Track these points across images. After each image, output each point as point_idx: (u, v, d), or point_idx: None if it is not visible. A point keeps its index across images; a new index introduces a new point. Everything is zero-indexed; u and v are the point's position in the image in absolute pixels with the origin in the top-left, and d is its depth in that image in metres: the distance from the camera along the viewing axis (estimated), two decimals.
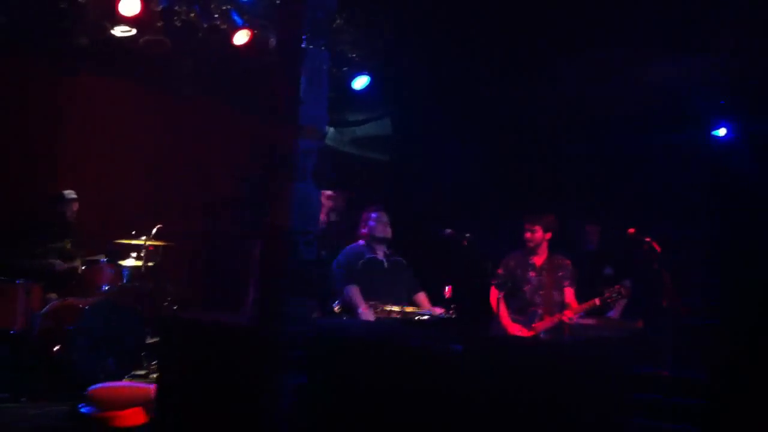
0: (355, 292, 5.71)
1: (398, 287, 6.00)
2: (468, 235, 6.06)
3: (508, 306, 6.47)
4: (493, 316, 6.44)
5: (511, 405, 2.65)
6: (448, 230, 6.13)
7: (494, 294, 6.48)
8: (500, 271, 6.57)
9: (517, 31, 7.08)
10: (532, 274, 6.49)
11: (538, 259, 6.53)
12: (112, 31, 6.93)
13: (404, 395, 2.77)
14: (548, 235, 6.52)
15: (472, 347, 2.84)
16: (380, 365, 2.84)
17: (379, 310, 5.63)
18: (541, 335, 6.28)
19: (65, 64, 7.75)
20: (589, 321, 6.53)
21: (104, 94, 8.39)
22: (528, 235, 6.49)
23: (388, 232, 6.07)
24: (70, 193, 7.47)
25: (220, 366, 3.32)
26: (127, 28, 6.88)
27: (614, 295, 6.21)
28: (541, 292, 6.42)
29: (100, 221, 8.00)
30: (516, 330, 6.30)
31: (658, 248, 6.44)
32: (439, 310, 5.83)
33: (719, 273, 7.40)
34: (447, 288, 5.83)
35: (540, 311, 6.36)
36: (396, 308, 5.70)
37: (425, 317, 5.71)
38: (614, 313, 6.92)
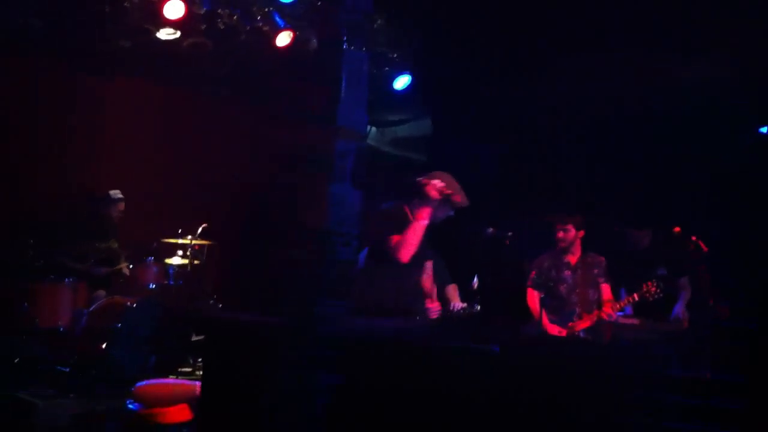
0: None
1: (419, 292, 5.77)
2: (510, 234, 6.02)
3: (546, 307, 6.44)
4: (530, 318, 6.43)
5: (541, 406, 2.64)
6: (491, 229, 6.10)
7: (532, 296, 6.50)
8: (534, 273, 6.58)
9: (555, 28, 7.03)
10: (567, 273, 6.47)
11: (572, 258, 6.51)
12: (157, 34, 7.03)
13: (440, 396, 2.78)
14: (581, 233, 6.51)
15: (507, 347, 2.83)
16: (414, 366, 2.85)
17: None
18: (581, 334, 6.25)
19: (105, 68, 7.89)
20: (632, 321, 6.47)
21: (145, 95, 8.52)
22: (561, 234, 6.48)
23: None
24: (116, 194, 7.61)
25: (260, 365, 3.37)
26: (171, 30, 6.97)
27: (653, 289, 6.14)
28: (577, 291, 6.40)
29: (147, 220, 8.14)
30: (554, 331, 6.27)
31: (704, 247, 6.35)
32: (459, 305, 5.63)
33: (753, 275, 7.25)
34: (474, 281, 5.76)
35: (578, 310, 6.34)
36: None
37: (454, 314, 5.49)
38: (679, 308, 6.80)
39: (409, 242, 4.27)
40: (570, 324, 6.30)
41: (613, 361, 3.08)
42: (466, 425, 2.77)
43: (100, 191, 7.67)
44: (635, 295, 6.24)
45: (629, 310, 6.57)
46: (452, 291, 6.09)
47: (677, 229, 6.56)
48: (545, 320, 6.34)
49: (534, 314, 6.38)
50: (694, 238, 6.40)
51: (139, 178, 8.34)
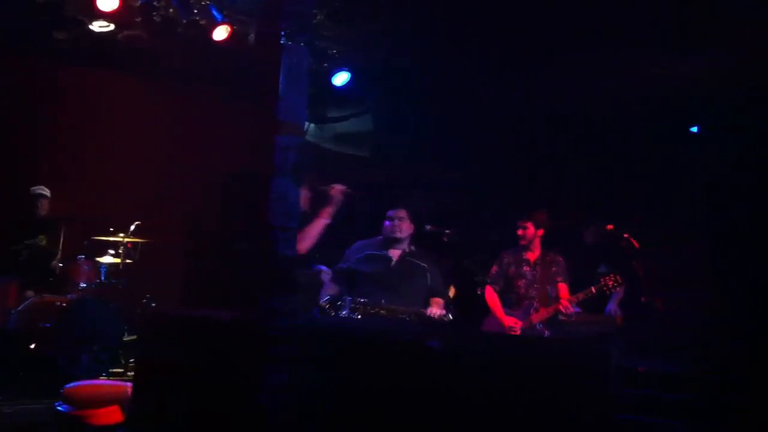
0: (325, 274, 5.55)
1: (407, 289, 5.59)
2: (448, 231, 6.03)
3: (503, 302, 6.60)
4: (488, 313, 6.52)
5: (489, 401, 2.65)
6: (429, 226, 6.09)
7: (489, 291, 6.61)
8: (495, 268, 6.71)
9: (499, 26, 7.07)
10: (526, 269, 6.61)
11: (532, 255, 6.64)
12: (90, 27, 6.87)
13: (382, 391, 2.77)
14: (540, 232, 6.64)
15: (451, 343, 2.84)
16: (361, 361, 2.84)
17: (364, 308, 5.42)
18: (537, 327, 6.37)
19: (44, 59, 7.69)
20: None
21: (84, 89, 8.33)
22: (520, 232, 6.64)
23: (397, 232, 5.71)
24: (36, 189, 7.40)
25: (198, 363, 3.31)
26: (105, 23, 6.82)
27: (611, 283, 6.24)
28: (536, 286, 6.52)
29: (80, 217, 7.94)
30: (511, 322, 6.38)
31: (636, 244, 6.49)
32: (437, 311, 5.42)
33: (709, 269, 7.45)
34: (450, 288, 5.80)
35: (535, 304, 6.45)
36: (384, 310, 5.32)
37: (407, 317, 5.35)
38: (612, 306, 6.95)
39: (309, 235, 4.88)
40: (530, 317, 6.39)
41: (550, 355, 3.11)
42: (404, 419, 2.77)
43: (28, 188, 7.47)
44: (593, 289, 6.32)
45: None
46: (435, 302, 5.66)
47: (610, 226, 6.71)
48: (501, 313, 6.46)
49: (492, 308, 6.51)
50: (626, 235, 6.55)
51: (74, 173, 8.15)
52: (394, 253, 5.72)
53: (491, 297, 6.60)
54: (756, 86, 7.16)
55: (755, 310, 6.48)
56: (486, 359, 2.86)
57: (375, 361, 2.85)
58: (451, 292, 5.88)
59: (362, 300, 5.29)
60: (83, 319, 6.58)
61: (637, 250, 6.53)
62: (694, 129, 8.06)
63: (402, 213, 5.78)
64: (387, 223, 5.76)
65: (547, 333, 6.33)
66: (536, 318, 6.39)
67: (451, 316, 5.42)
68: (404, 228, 5.72)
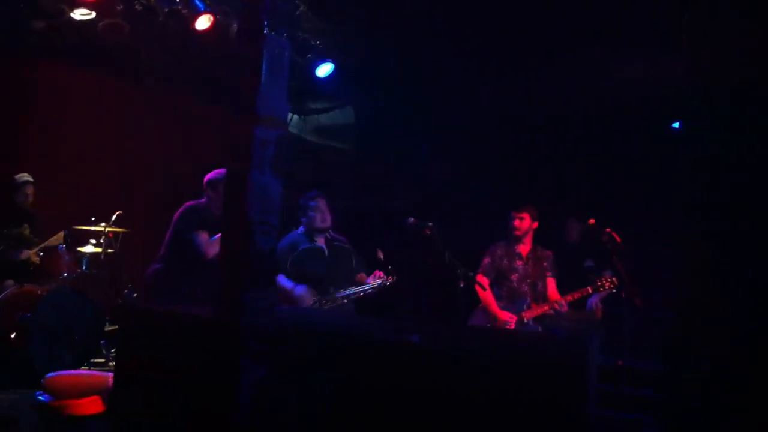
0: (284, 280, 5.63)
1: (341, 273, 5.84)
2: (430, 224, 6.04)
3: (496, 295, 6.51)
4: (473, 306, 6.49)
5: (470, 397, 2.67)
6: (411, 219, 6.11)
7: (483, 282, 6.43)
8: (487, 260, 6.60)
9: (484, 21, 7.08)
10: (519, 263, 6.54)
11: (524, 249, 6.58)
12: (71, 15, 6.81)
13: (361, 387, 2.78)
14: (535, 224, 6.61)
15: (436, 339, 2.85)
16: (339, 357, 2.85)
17: (326, 301, 5.58)
18: (530, 323, 6.34)
19: (23, 50, 7.61)
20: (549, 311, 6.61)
21: (64, 80, 8.28)
22: (517, 222, 6.54)
23: (327, 221, 5.89)
24: (21, 177, 7.31)
25: (178, 355, 3.30)
26: (86, 11, 6.76)
27: (608, 285, 6.27)
28: (528, 281, 6.48)
29: (60, 207, 7.90)
30: (506, 317, 6.31)
31: (618, 239, 6.50)
32: (379, 274, 5.74)
33: (688, 266, 7.48)
34: (378, 252, 5.82)
35: (528, 299, 6.42)
36: (343, 294, 5.63)
37: (370, 289, 5.67)
38: (594, 300, 6.96)
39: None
40: (523, 313, 6.36)
41: (530, 350, 3.13)
42: (386, 416, 2.78)
43: (9, 176, 7.39)
44: (589, 289, 6.34)
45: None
46: (361, 277, 5.98)
47: (592, 220, 6.72)
48: (496, 307, 6.39)
49: (485, 301, 6.39)
50: (608, 230, 6.56)
51: (54, 163, 8.10)
52: (321, 242, 5.88)
53: (481, 289, 6.40)
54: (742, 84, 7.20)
55: (739, 307, 6.52)
56: (472, 356, 2.87)
57: (354, 358, 2.85)
58: (380, 255, 5.91)
59: (319, 297, 5.54)
60: (63, 309, 6.54)
61: (619, 245, 6.54)
62: (675, 125, 8.08)
63: (323, 201, 5.90)
64: (312, 213, 5.85)
65: (540, 329, 6.33)
66: (529, 314, 6.34)
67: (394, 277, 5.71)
68: (327, 217, 5.87)
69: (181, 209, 5.76)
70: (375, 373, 2.82)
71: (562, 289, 6.51)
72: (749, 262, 3.77)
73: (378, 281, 5.75)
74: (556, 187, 8.37)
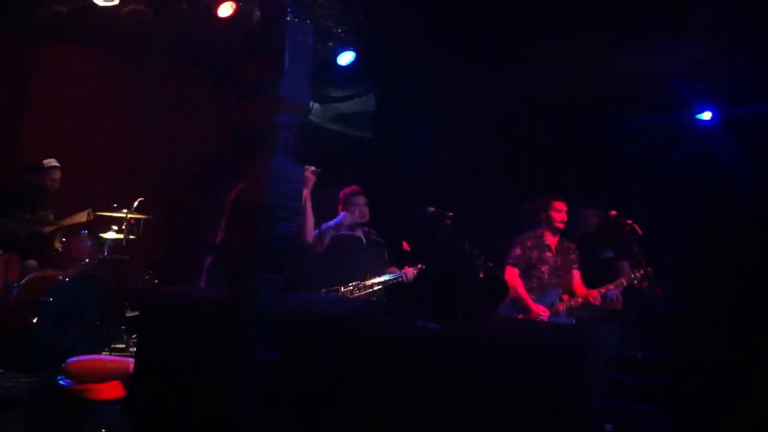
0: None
1: (375, 264, 6.05)
2: (451, 213, 6.03)
3: (527, 287, 6.39)
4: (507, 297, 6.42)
5: (483, 385, 2.65)
6: (431, 208, 6.10)
7: (513, 273, 6.38)
8: (518, 251, 6.46)
9: (502, 13, 7.05)
10: (548, 255, 6.44)
11: (552, 240, 6.49)
12: (95, 0, 6.83)
13: (372, 372, 2.77)
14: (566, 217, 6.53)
15: (448, 326, 2.83)
16: (349, 343, 2.84)
17: (358, 286, 5.72)
18: (563, 315, 6.28)
19: (31, 35, 7.62)
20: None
21: (84, 65, 8.31)
22: (559, 215, 6.43)
23: (366, 216, 6.17)
24: (50, 162, 7.33)
25: (195, 340, 3.31)
26: None
27: (641, 275, 6.23)
28: (558, 273, 6.42)
29: (82, 193, 7.95)
30: (540, 310, 6.23)
31: (639, 231, 6.46)
32: (408, 270, 5.93)
33: (691, 257, 7.44)
34: (404, 243, 5.95)
35: (560, 291, 6.37)
36: (376, 280, 5.83)
37: (399, 278, 5.87)
38: (614, 291, 6.91)
39: (307, 224, 5.48)
40: (557, 306, 6.30)
41: (549, 340, 3.10)
42: (401, 403, 2.77)
43: (33, 161, 7.42)
44: (623, 281, 6.31)
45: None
46: (392, 270, 6.17)
47: (613, 212, 6.68)
48: (529, 299, 6.29)
49: (517, 292, 6.30)
50: (630, 221, 6.52)
51: (76, 149, 8.14)
52: (359, 234, 6.17)
53: (515, 281, 6.33)
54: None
55: (747, 302, 6.48)
56: (485, 344, 2.84)
57: (358, 344, 2.85)
58: (406, 246, 6.06)
59: (353, 283, 5.73)
60: (84, 294, 6.58)
61: (640, 236, 6.50)
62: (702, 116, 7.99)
63: (363, 198, 6.19)
64: (353, 207, 6.13)
65: (573, 321, 6.28)
66: (563, 307, 6.27)
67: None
68: (366, 211, 6.17)
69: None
70: (378, 359, 2.81)
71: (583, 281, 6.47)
72: (749, 256, 3.73)
73: (407, 272, 5.93)
74: (573, 179, 8.32)
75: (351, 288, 5.73)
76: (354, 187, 6.25)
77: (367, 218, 6.16)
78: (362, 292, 5.76)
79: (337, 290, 5.67)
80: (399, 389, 2.74)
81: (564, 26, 7.04)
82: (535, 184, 7.59)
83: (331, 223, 6.06)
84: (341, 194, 6.25)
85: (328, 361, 2.84)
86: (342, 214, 6.16)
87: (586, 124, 8.35)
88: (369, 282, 5.80)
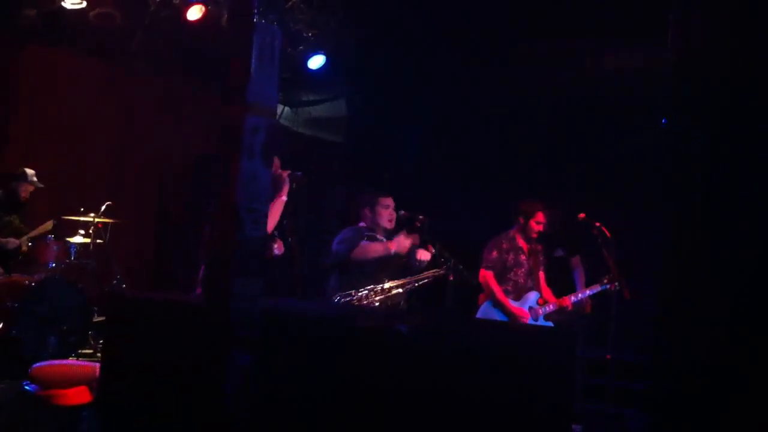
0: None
1: (398, 269, 5.84)
2: (421, 216, 6.04)
3: (504, 290, 6.41)
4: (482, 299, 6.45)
5: (455, 387, 2.67)
6: (402, 211, 6.11)
7: (490, 277, 6.38)
8: (495, 254, 6.46)
9: (476, 13, 7.08)
10: (522, 257, 6.47)
11: (524, 244, 6.52)
12: (63, 4, 6.78)
13: (348, 376, 2.78)
14: None
15: (416, 328, 2.85)
16: (325, 346, 2.84)
17: (379, 290, 5.58)
18: (542, 318, 6.32)
19: (13, 38, 7.56)
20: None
21: (54, 68, 8.23)
22: (540, 227, 6.48)
23: (393, 221, 5.94)
24: (32, 174, 7.28)
25: (164, 343, 3.29)
26: (77, 0, 6.73)
27: (606, 281, 6.30)
28: (532, 276, 6.45)
29: (49, 197, 7.86)
30: (521, 312, 6.26)
31: (608, 233, 6.52)
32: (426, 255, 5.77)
33: (666, 259, 7.51)
34: (429, 246, 5.84)
35: (537, 294, 6.40)
36: (398, 282, 5.62)
37: (421, 282, 5.68)
38: (583, 294, 6.96)
39: (272, 215, 5.12)
40: (534, 308, 6.32)
41: (519, 343, 3.13)
42: (374, 407, 2.78)
43: (11, 168, 7.37)
44: (599, 285, 6.36)
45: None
46: None
47: (582, 215, 6.72)
48: (508, 302, 6.31)
49: (496, 295, 6.32)
50: (598, 224, 6.57)
51: (44, 152, 8.06)
52: (380, 236, 5.89)
53: (492, 283, 6.34)
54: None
55: (722, 300, 6.54)
56: (462, 346, 2.86)
57: (339, 346, 2.85)
58: (432, 249, 5.94)
59: (369, 287, 5.49)
60: (51, 299, 6.52)
61: (609, 239, 6.55)
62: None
63: (391, 201, 5.95)
64: (381, 211, 5.89)
65: (552, 324, 6.32)
66: (541, 311, 6.31)
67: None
68: (394, 216, 5.92)
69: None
70: (360, 362, 2.81)
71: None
72: (732, 254, 3.77)
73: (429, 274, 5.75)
74: (543, 180, 8.38)
75: (366, 292, 5.52)
76: (383, 192, 6.08)
77: (393, 224, 5.92)
78: (378, 297, 5.56)
79: (352, 296, 5.47)
80: (374, 391, 2.75)
81: (549, 27, 7.06)
82: (518, 186, 7.63)
83: (348, 234, 5.87)
84: (367, 198, 6.06)
85: (306, 364, 2.84)
86: (352, 227, 5.98)
87: (576, 124, 8.38)
88: (387, 286, 5.58)
